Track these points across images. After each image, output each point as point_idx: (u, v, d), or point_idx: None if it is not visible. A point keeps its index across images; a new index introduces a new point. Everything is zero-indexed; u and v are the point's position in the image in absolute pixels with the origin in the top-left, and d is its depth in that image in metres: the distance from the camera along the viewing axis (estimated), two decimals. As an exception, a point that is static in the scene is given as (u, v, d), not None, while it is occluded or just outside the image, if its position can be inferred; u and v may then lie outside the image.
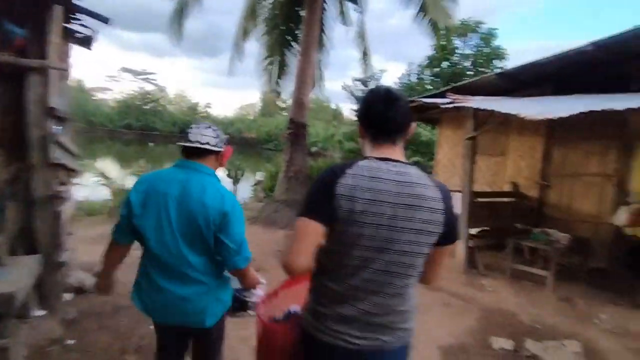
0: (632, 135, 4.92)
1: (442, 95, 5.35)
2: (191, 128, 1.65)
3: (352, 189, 1.05)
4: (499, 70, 5.53)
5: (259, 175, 11.12)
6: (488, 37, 12.13)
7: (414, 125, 1.21)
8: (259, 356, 1.43)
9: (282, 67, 9.16)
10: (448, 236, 1.15)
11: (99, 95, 48.18)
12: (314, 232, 1.08)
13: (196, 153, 1.62)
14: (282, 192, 7.20)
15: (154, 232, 1.54)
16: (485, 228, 5.32)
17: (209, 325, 1.64)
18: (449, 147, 7.45)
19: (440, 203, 1.10)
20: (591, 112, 3.38)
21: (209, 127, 1.67)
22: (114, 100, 47.08)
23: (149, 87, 47.12)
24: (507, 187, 6.29)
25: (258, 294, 1.84)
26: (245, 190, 10.97)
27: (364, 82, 10.92)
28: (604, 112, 3.41)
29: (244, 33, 8.32)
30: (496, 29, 11.95)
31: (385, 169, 1.09)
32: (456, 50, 12.31)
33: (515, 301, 4.01)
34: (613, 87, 4.57)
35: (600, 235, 5.16)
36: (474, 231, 5.06)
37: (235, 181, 9.65)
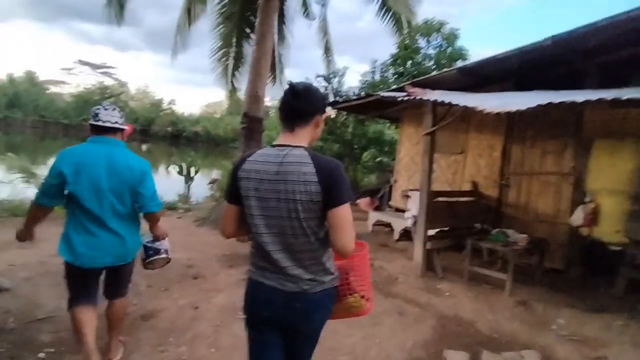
0: (588, 134, 4.85)
1: (402, 90, 5.08)
2: (99, 110, 2.19)
3: (247, 172, 1.38)
4: (460, 65, 5.31)
5: (216, 174, 10.49)
6: (451, 37, 12.16)
7: (320, 116, 1.45)
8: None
9: (239, 60, 8.62)
10: (330, 201, 1.32)
11: (53, 89, 45.28)
12: (230, 210, 1.49)
13: (109, 130, 2.22)
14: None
15: (87, 193, 2.07)
16: (444, 228, 5.10)
17: (130, 260, 2.34)
18: (410, 145, 7.24)
19: (314, 176, 1.31)
20: (549, 104, 3.17)
21: (115, 109, 2.28)
22: (70, 94, 44.36)
23: (108, 82, 44.87)
24: (466, 186, 6.14)
25: (165, 244, 2.59)
26: (201, 189, 10.32)
27: (327, 79, 10.58)
28: (562, 106, 3.21)
29: (189, 15, 7.60)
30: (458, 29, 12.01)
31: (273, 153, 1.38)
32: (420, 50, 12.24)
33: (472, 307, 3.76)
34: (571, 84, 4.46)
35: (558, 235, 5.07)
36: (432, 232, 4.81)
37: (188, 179, 8.97)
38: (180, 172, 8.86)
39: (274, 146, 1.40)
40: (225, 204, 1.51)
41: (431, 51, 12.38)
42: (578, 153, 4.95)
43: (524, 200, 5.46)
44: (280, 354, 1.49)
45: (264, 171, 1.35)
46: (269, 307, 1.42)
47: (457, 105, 3.66)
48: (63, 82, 43.92)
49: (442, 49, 12.27)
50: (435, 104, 4.06)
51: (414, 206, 4.58)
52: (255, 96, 6.80)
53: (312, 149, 1.41)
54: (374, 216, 6.82)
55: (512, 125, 5.62)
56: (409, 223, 4.70)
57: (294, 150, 1.36)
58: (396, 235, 6.28)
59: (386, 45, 12.48)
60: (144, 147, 33.20)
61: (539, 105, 3.21)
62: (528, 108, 3.28)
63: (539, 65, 5.17)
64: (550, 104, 3.16)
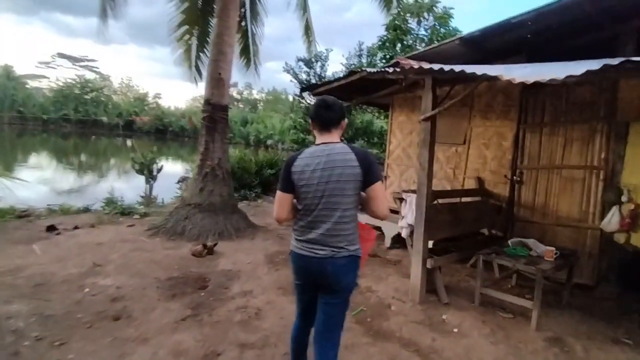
0: (623, 116, 3.89)
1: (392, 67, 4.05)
2: None
3: (301, 167, 1.81)
4: (462, 34, 4.29)
5: (186, 171, 9.34)
6: (444, 17, 11.12)
7: (344, 120, 1.94)
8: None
9: (204, 39, 7.47)
10: (368, 179, 1.78)
11: (32, 84, 43.24)
12: (285, 199, 1.87)
13: None
14: (195, 193, 5.60)
15: None
16: (445, 237, 4.12)
17: None
18: (402, 135, 6.23)
19: (355, 161, 1.77)
20: (601, 70, 2.17)
21: None
22: (49, 89, 42.47)
23: (90, 75, 43.05)
24: (470, 183, 5.16)
25: None
26: (169, 189, 9.18)
27: (308, 63, 9.49)
28: (603, 75, 2.21)
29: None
30: (452, 8, 10.96)
31: (320, 149, 1.83)
32: (411, 32, 11.18)
33: (492, 351, 2.78)
34: (600, 55, 3.48)
35: (585, 243, 4.13)
36: (431, 243, 3.82)
37: (150, 177, 7.81)
38: (139, 171, 7.70)
39: (318, 145, 1.86)
40: (279, 193, 1.87)
41: (423, 33, 11.35)
42: (611, 141, 3.99)
43: (541, 200, 4.49)
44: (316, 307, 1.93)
45: (315, 163, 1.79)
46: (307, 271, 1.88)
47: (472, 76, 2.62)
48: (42, 77, 41.78)
49: (434, 31, 11.24)
50: (440, 74, 3.02)
51: (410, 212, 3.57)
52: (217, 79, 5.69)
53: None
54: (360, 219, 5.80)
55: (526, 109, 4.63)
56: (403, 233, 3.72)
57: (336, 145, 1.84)
58: (387, 242, 5.29)
59: (375, 36, 11.39)
60: (129, 142, 31.79)
61: (589, 72, 2.20)
62: (569, 77, 2.26)
63: (558, 33, 4.18)
64: (602, 71, 2.15)
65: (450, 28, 11.20)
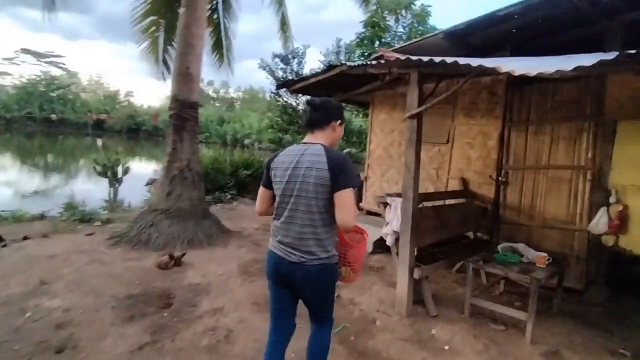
0: (611, 114, 3.76)
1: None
2: None
3: (278, 164, 1.83)
4: (447, 28, 4.06)
5: (155, 172, 8.78)
6: (422, 15, 11.02)
7: (335, 122, 1.89)
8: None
9: (172, 32, 6.97)
10: (336, 185, 1.68)
11: (-5, 81, 40.70)
12: (264, 193, 1.92)
13: None
14: (161, 197, 5.14)
15: None
16: (431, 243, 3.88)
17: None
18: (383, 134, 5.98)
19: (325, 165, 1.69)
20: (610, 62, 1.94)
21: None
22: (13, 85, 40.08)
23: (56, 72, 40.92)
24: (454, 184, 4.97)
25: None
26: (137, 192, 8.60)
27: (284, 59, 9.12)
28: (603, 69, 2.00)
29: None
30: (430, 6, 10.86)
31: (297, 148, 1.82)
32: (389, 29, 11.01)
33: (486, 370, 2.54)
34: (588, 50, 3.32)
35: (573, 246, 3.99)
36: (416, 250, 3.56)
37: (114, 180, 7.24)
38: (102, 173, 7.12)
39: (299, 144, 1.87)
40: (260, 187, 1.93)
41: (401, 30, 11.21)
42: (598, 140, 3.86)
43: (527, 201, 4.33)
44: (290, 305, 1.96)
45: (289, 161, 1.79)
46: (277, 271, 1.84)
47: (466, 68, 2.36)
48: (5, 73, 39.25)
49: (412, 28, 11.12)
50: (429, 67, 2.75)
51: (395, 218, 3.29)
52: (186, 74, 5.26)
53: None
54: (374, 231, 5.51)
55: (511, 106, 4.46)
56: (388, 241, 3.44)
57: (313, 146, 1.78)
58: (370, 247, 5.02)
59: (353, 34, 11.14)
60: (99, 142, 30.28)
61: (601, 61, 1.96)
62: (577, 68, 2.02)
63: (544, 28, 4.04)
64: (610, 63, 1.92)
65: (428, 26, 11.13)
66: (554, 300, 3.53)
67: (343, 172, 1.69)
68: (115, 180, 7.19)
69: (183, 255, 4.30)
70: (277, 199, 1.82)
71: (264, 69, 9.61)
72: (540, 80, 4.20)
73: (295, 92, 6.99)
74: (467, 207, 4.57)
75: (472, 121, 4.78)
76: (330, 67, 4.32)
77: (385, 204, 3.50)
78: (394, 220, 3.30)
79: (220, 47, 8.09)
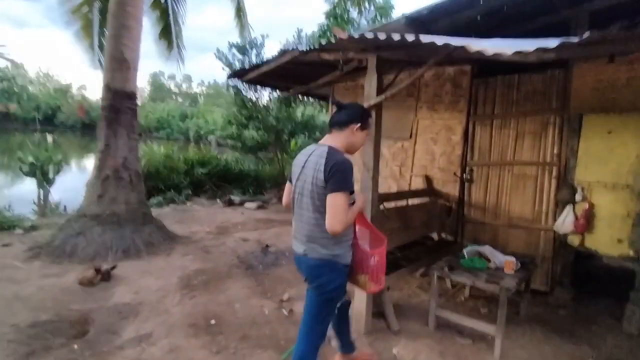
0: (576, 108, 3.59)
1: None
2: None
3: (295, 161, 1.93)
4: (409, 12, 3.73)
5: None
6: (385, 7, 10.77)
7: (355, 125, 1.90)
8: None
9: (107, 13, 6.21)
10: (328, 186, 1.70)
11: None
12: (287, 187, 2.03)
13: None
14: (91, 201, 4.49)
15: None
16: (393, 247, 3.56)
17: None
18: (344, 129, 5.61)
19: (323, 166, 1.72)
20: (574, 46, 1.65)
21: None
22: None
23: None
24: (417, 183, 4.69)
25: None
26: (76, 194, 7.71)
27: (242, 49, 8.54)
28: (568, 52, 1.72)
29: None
30: (393, -2, 10.62)
31: (310, 149, 1.89)
32: (352, 21, 10.68)
33: (454, 398, 2.23)
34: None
35: (538, 246, 3.82)
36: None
37: (44, 180, 6.38)
38: (29, 173, 6.26)
39: (315, 144, 1.91)
40: (287, 182, 2.02)
41: (364, 23, 10.90)
42: (564, 134, 3.69)
43: (492, 199, 4.12)
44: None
45: (302, 161, 1.86)
46: (296, 265, 1.99)
47: (431, 47, 2.00)
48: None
49: (376, 22, 10.85)
50: (387, 45, 2.38)
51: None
52: (120, 60, 4.62)
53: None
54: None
55: (476, 99, 4.23)
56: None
57: (321, 147, 1.82)
58: (329, 251, 4.65)
59: (316, 27, 10.71)
60: (49, 138, 27.78)
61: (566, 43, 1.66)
62: (539, 49, 1.72)
63: (509, 15, 3.80)
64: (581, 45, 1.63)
65: (391, 20, 10.90)
66: (520, 304, 3.31)
67: (335, 175, 1.70)
68: (45, 181, 6.34)
69: (113, 268, 3.72)
70: (292, 195, 1.93)
71: (221, 60, 8.96)
72: (505, 71, 3.98)
73: (250, 82, 6.49)
74: (431, 206, 4.30)
75: (436, 115, 4.51)
76: (282, 52, 3.87)
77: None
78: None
79: (168, 34, 7.39)
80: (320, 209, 1.75)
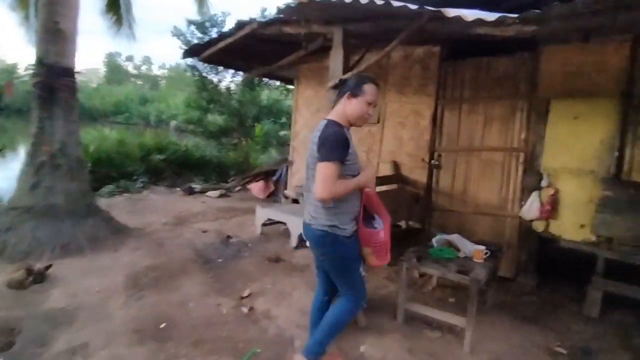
0: (544, 92, 3.53)
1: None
2: None
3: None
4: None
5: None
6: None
7: (349, 93, 1.88)
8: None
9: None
10: (318, 156, 1.77)
11: None
12: None
13: None
14: (24, 191, 3.97)
15: None
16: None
17: None
18: (310, 113, 5.36)
19: (317, 139, 1.81)
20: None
21: None
22: None
23: None
24: (385, 169, 4.54)
25: None
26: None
27: (201, 27, 7.96)
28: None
29: None
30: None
31: (319, 123, 1.94)
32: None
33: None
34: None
35: (504, 233, 3.79)
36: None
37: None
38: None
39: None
40: None
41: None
42: (531, 120, 3.64)
43: (460, 186, 4.04)
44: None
45: (312, 136, 1.90)
46: (304, 232, 2.04)
47: (404, 12, 1.76)
48: None
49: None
50: (354, 16, 2.12)
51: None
52: (54, 31, 4.06)
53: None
54: (262, 213, 4.84)
55: (444, 82, 4.09)
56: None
57: (322, 121, 1.90)
58: (294, 241, 4.42)
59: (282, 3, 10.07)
60: None
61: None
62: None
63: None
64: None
65: None
66: (487, 293, 3.26)
67: (323, 145, 1.75)
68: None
69: (48, 267, 3.29)
70: None
71: (178, 38, 8.34)
72: (474, 53, 3.86)
73: (210, 62, 6.03)
74: (399, 193, 4.17)
75: (404, 99, 4.35)
76: (240, 25, 3.51)
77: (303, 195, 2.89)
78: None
79: (116, 7, 6.71)
80: None
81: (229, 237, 4.80)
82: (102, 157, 7.68)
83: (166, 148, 8.75)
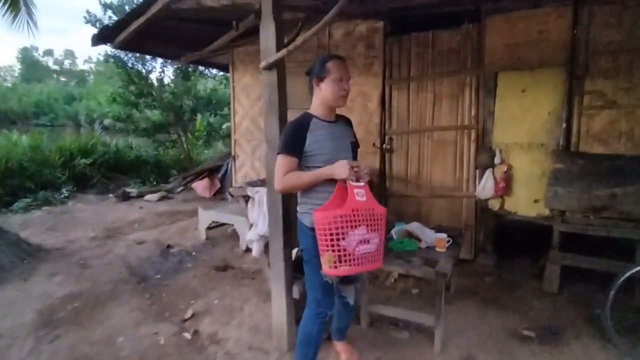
0: (491, 65, 3.40)
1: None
2: None
3: None
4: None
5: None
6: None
7: (315, 79, 1.81)
8: None
9: None
10: None
11: None
12: None
13: None
14: None
15: None
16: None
17: None
18: (250, 101, 4.89)
19: None
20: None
21: None
22: None
23: None
24: (335, 157, 4.24)
25: None
26: None
27: (119, 10, 7.04)
28: None
29: None
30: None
31: None
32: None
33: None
34: None
35: (461, 214, 3.68)
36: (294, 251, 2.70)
37: None
38: None
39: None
40: None
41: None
42: (480, 95, 3.51)
43: (414, 169, 3.86)
44: None
45: None
46: None
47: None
48: None
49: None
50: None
51: (261, 217, 2.32)
52: None
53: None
54: (206, 216, 4.36)
55: (390, 61, 3.84)
56: (254, 251, 2.48)
57: None
58: (243, 244, 4.01)
59: None
60: None
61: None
62: None
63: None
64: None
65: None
66: (450, 280, 3.12)
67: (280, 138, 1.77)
68: None
69: None
70: None
71: (93, 25, 7.33)
72: (418, 27, 3.64)
73: (128, 49, 5.30)
74: (352, 182, 3.90)
75: (350, 80, 4.03)
76: None
77: (247, 198, 2.49)
78: (260, 220, 2.33)
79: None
80: None
81: (169, 246, 4.28)
82: (13, 167, 6.62)
83: (92, 151, 7.78)
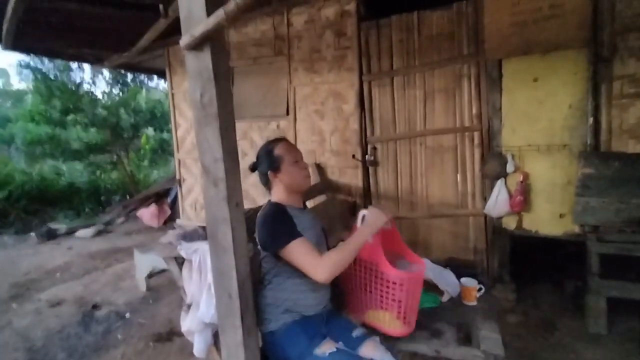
0: (492, 52, 2.74)
1: None
2: None
3: None
4: None
5: None
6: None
7: (271, 172, 1.55)
8: None
9: None
10: (272, 245, 1.46)
11: None
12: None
13: None
14: None
15: None
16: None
17: None
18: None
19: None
20: None
21: None
22: None
23: None
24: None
25: None
26: None
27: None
28: None
29: None
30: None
31: None
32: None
33: None
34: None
35: (468, 237, 2.96)
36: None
37: None
38: None
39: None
40: None
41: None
42: (482, 89, 2.83)
43: (405, 184, 3.11)
44: None
45: None
46: None
47: None
48: None
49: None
50: None
51: (205, 291, 1.41)
52: None
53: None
54: (144, 261, 3.36)
55: (367, 51, 3.08)
56: (197, 348, 1.56)
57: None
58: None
59: None
60: None
61: None
62: None
63: None
64: None
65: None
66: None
67: (268, 235, 1.45)
68: None
69: None
70: None
71: None
72: (400, 8, 2.92)
73: (30, 51, 4.20)
74: (328, 206, 3.08)
75: (318, 78, 3.24)
76: None
77: (181, 260, 1.57)
78: (203, 297, 1.42)
79: None
80: None
81: (95, 306, 3.24)
82: None
83: (6, 181, 6.42)
